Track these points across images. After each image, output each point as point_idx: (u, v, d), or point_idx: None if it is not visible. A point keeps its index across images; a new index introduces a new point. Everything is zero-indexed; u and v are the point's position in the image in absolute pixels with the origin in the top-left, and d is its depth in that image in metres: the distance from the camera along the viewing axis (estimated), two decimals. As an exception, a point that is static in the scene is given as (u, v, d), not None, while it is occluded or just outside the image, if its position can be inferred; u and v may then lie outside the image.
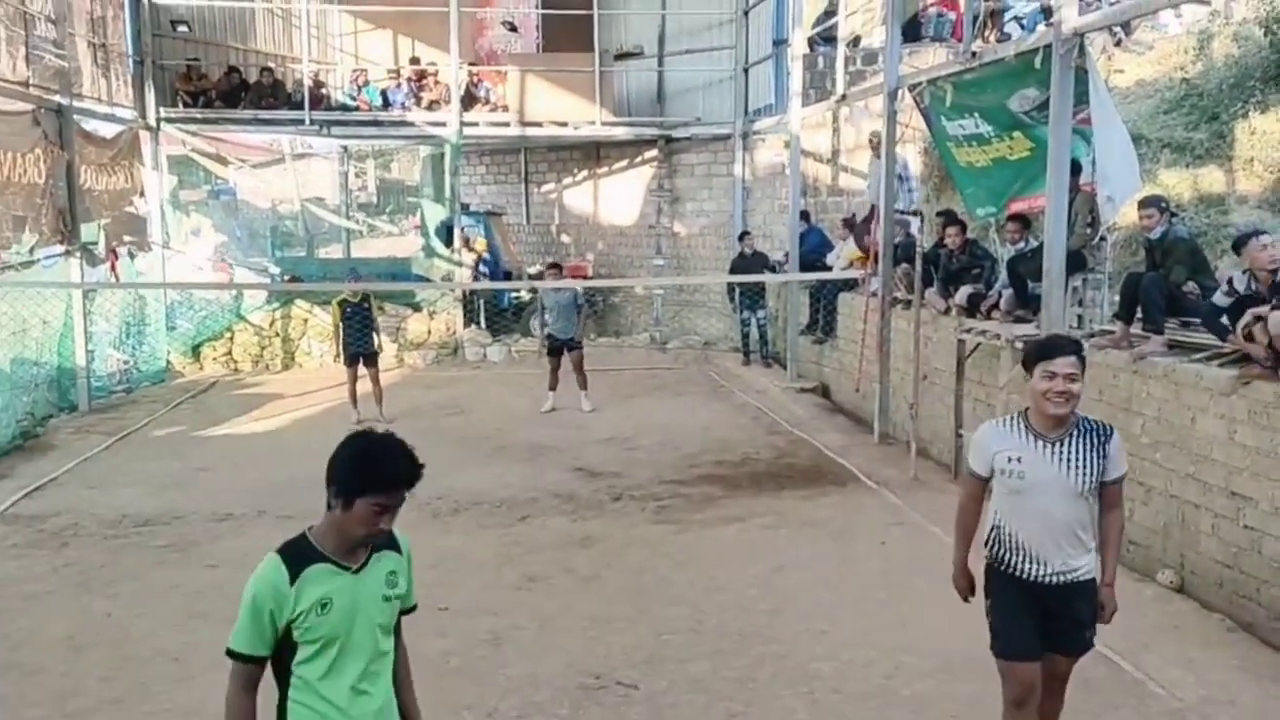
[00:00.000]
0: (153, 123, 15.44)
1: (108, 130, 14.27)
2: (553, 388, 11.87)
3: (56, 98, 12.32)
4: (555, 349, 11.91)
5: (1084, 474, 3.56)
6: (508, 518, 7.90)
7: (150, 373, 14.14)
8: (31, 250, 11.65)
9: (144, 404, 12.67)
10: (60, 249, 12.20)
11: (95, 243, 12.93)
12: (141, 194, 15.03)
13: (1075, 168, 7.84)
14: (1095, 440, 3.59)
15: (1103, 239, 8.38)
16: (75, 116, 12.72)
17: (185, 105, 16.06)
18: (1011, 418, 3.73)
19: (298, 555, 2.70)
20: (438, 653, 5.43)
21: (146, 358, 14.21)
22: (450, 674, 5.19)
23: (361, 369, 11.37)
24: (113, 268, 13.46)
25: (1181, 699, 4.80)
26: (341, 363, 11.43)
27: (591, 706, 4.84)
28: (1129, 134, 7.76)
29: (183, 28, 16.77)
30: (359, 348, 11.32)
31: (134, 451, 10.29)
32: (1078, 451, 3.57)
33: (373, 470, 2.63)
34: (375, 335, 11.55)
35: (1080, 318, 8.15)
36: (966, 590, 3.97)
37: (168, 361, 14.65)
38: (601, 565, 6.80)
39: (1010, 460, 3.60)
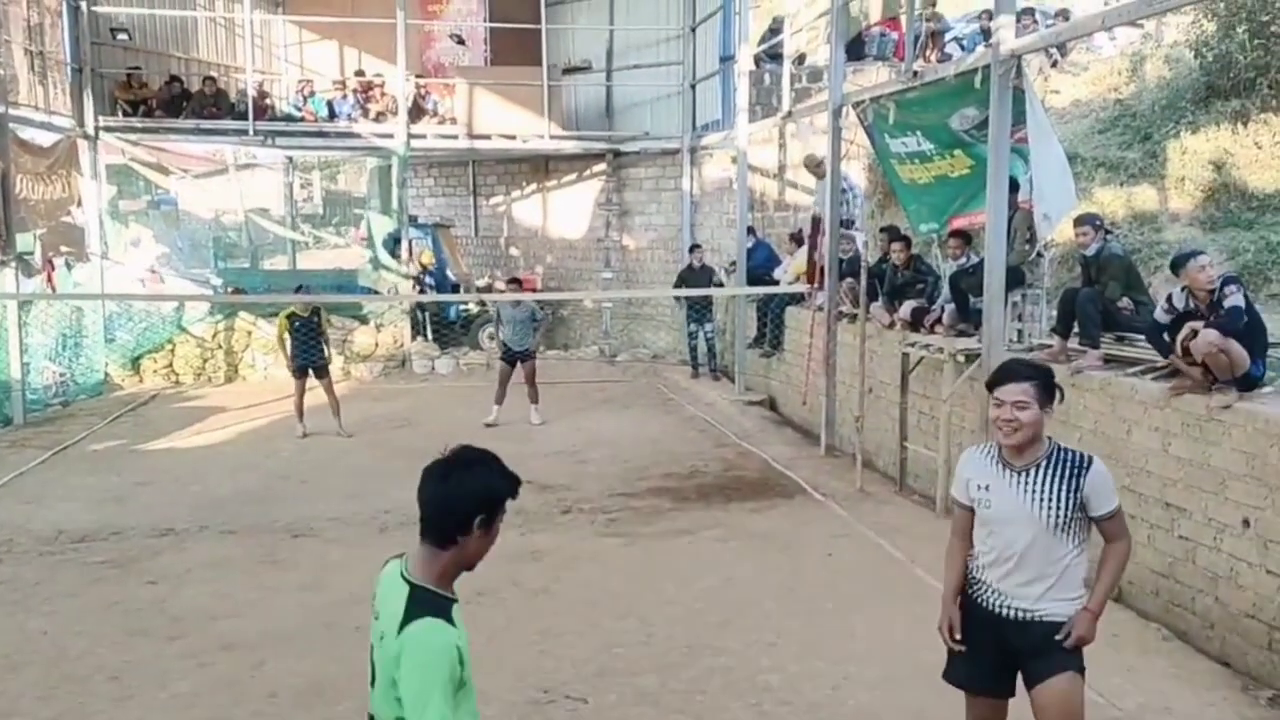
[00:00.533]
0: (91, 131, 15.13)
1: (45, 139, 13.95)
2: (499, 401, 11.82)
3: (-9, 105, 12.04)
4: (509, 359, 11.88)
5: (1052, 507, 3.33)
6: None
7: (88, 385, 13.83)
8: (-36, 260, 11.36)
9: (81, 417, 12.38)
10: (-6, 259, 11.91)
11: (31, 253, 12.63)
12: (79, 204, 14.70)
13: (1014, 185, 8.03)
14: (1068, 471, 3.36)
15: (1040, 255, 8.59)
16: (10, 125, 12.43)
17: (125, 114, 15.79)
18: (990, 444, 3.56)
19: (443, 609, 2.40)
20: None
21: (84, 370, 13.89)
22: (397, 690, 5.14)
23: (313, 380, 11.22)
24: (49, 278, 13.16)
25: (1120, 707, 4.91)
26: (291, 373, 11.27)
27: (540, 720, 4.83)
28: (1065, 153, 7.95)
29: (123, 36, 16.47)
30: (308, 359, 11.19)
31: (71, 466, 10.06)
32: (1046, 483, 3.36)
33: (513, 476, 2.46)
34: (325, 348, 11.41)
35: (1020, 332, 8.33)
36: (946, 625, 3.65)
37: (106, 374, 14.34)
38: (550, 579, 6.79)
39: (979, 488, 3.48)
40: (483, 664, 5.39)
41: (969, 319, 8.34)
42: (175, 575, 6.89)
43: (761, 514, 8.32)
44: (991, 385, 3.49)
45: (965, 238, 8.88)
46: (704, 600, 6.36)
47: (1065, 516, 3.35)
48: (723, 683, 5.22)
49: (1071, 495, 3.35)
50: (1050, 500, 3.35)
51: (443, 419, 12.25)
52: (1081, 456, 3.43)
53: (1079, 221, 7.56)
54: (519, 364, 11.82)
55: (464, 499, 2.39)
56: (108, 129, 15.45)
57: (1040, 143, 7.30)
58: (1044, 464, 3.40)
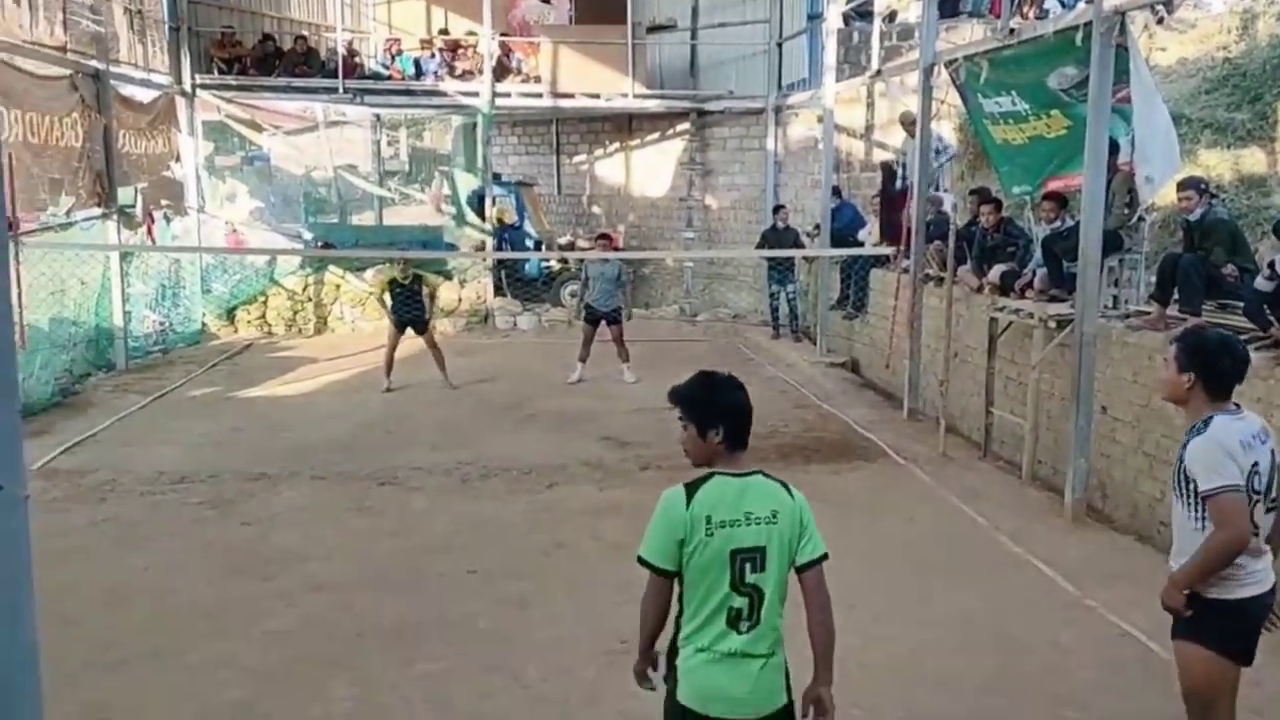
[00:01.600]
0: (188, 89, 15.54)
1: (144, 95, 14.39)
2: (583, 359, 11.88)
3: (93, 62, 12.43)
4: (593, 319, 11.88)
5: (1174, 475, 3.41)
6: (537, 485, 7.97)
7: (186, 334, 14.33)
8: (69, 212, 11.80)
9: (180, 365, 12.85)
10: (98, 211, 12.36)
11: (132, 206, 13.06)
12: (177, 159, 15.17)
13: (1114, 147, 7.75)
14: (1186, 442, 3.38)
15: (1140, 219, 8.29)
16: (112, 81, 12.83)
17: (220, 72, 16.17)
18: None
19: None
20: (466, 614, 5.52)
21: (182, 319, 14.39)
22: (478, 635, 5.28)
23: (412, 334, 11.39)
24: (149, 231, 13.61)
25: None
26: (392, 325, 11.39)
27: (617, 671, 4.89)
28: (1170, 113, 7.65)
29: (218, -7, 16.83)
30: (408, 317, 11.34)
31: (171, 411, 10.46)
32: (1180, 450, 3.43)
33: None
34: (427, 308, 11.50)
35: (1116, 298, 8.09)
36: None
37: (203, 323, 14.85)
38: (629, 533, 6.80)
39: None
40: (562, 614, 5.52)
41: (1062, 284, 8.12)
42: (268, 518, 7.14)
43: (841, 476, 8.27)
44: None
45: (1060, 200, 8.62)
46: (781, 560, 6.35)
47: (1177, 485, 3.39)
48: (801, 641, 5.22)
49: (1179, 464, 3.37)
50: (1175, 469, 3.42)
51: (523, 374, 12.40)
52: (1198, 426, 3.37)
53: (1183, 185, 7.28)
54: (602, 324, 11.82)
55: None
56: (204, 86, 15.84)
57: (1144, 103, 7.03)
58: (1191, 433, 3.40)
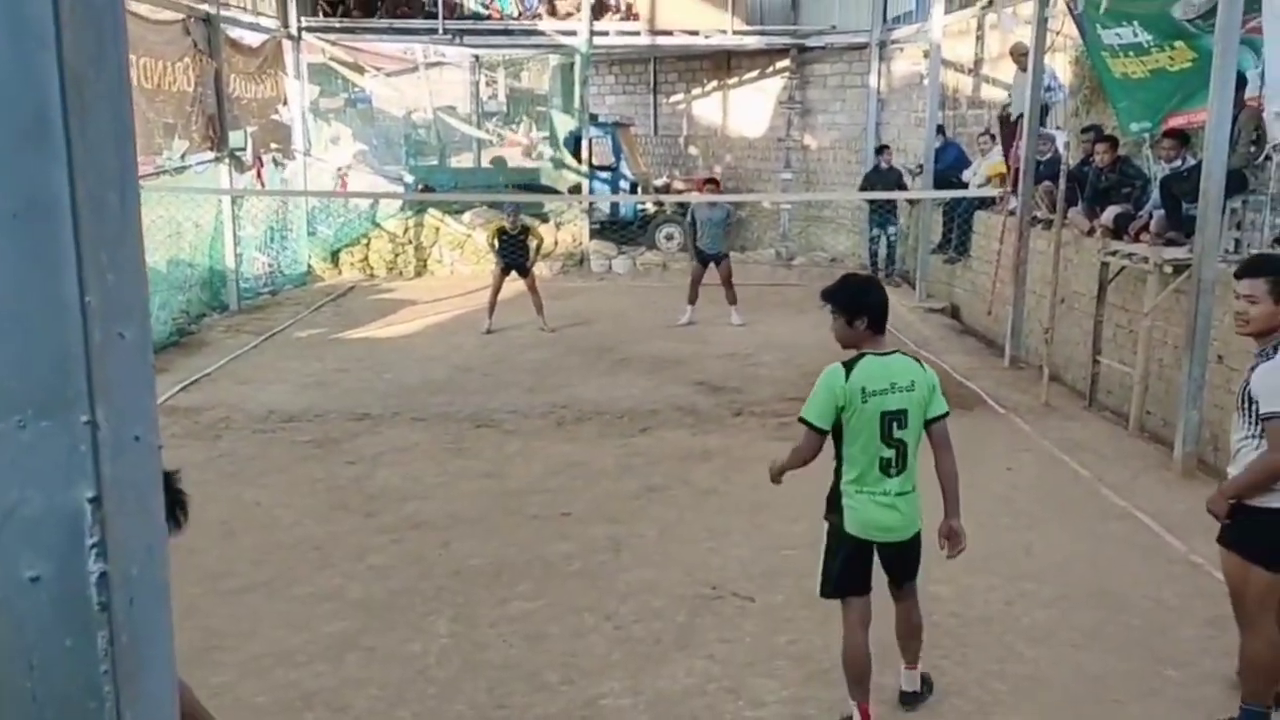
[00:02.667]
0: (294, 32, 15.82)
1: (253, 39, 14.70)
2: (692, 301, 11.92)
3: (205, 6, 12.73)
4: (703, 259, 11.91)
5: (1240, 391, 3.72)
6: (629, 428, 8.05)
7: (293, 276, 14.78)
8: (183, 156, 12.21)
9: (288, 306, 13.29)
10: (211, 155, 12.75)
11: (243, 149, 13.45)
12: (285, 102, 15.50)
13: (1241, 81, 7.30)
14: (1258, 364, 3.65)
15: (1267, 158, 7.82)
16: (222, 25, 13.13)
17: (325, 14, 16.42)
18: None
19: None
20: (559, 555, 5.64)
21: (289, 261, 14.84)
22: (571, 576, 5.40)
23: (515, 277, 11.64)
24: (259, 174, 14.01)
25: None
26: (497, 269, 11.69)
27: (708, 615, 4.97)
28: (1306, 44, 7.15)
29: (323, -64, 17.01)
30: (512, 260, 11.59)
31: (279, 351, 10.85)
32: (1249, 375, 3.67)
33: None
34: (531, 255, 11.72)
35: (1238, 241, 7.68)
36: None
37: (309, 265, 15.28)
38: (720, 479, 6.89)
39: None
40: (652, 558, 5.60)
41: (1180, 227, 7.75)
42: (371, 457, 7.38)
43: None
44: (1235, 275, 3.78)
45: (1181, 138, 8.20)
46: (875, 509, 6.30)
47: (1241, 404, 3.67)
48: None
49: (1245, 385, 3.65)
50: (1240, 389, 3.71)
51: (617, 318, 12.47)
52: (1268, 351, 3.62)
53: (1316, 121, 6.83)
54: (711, 265, 11.82)
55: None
56: (309, 29, 16.11)
57: (1276, 34, 6.59)
58: (1260, 356, 3.65)
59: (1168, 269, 7.49)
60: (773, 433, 7.94)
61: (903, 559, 4.03)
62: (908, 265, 14.33)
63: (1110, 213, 8.68)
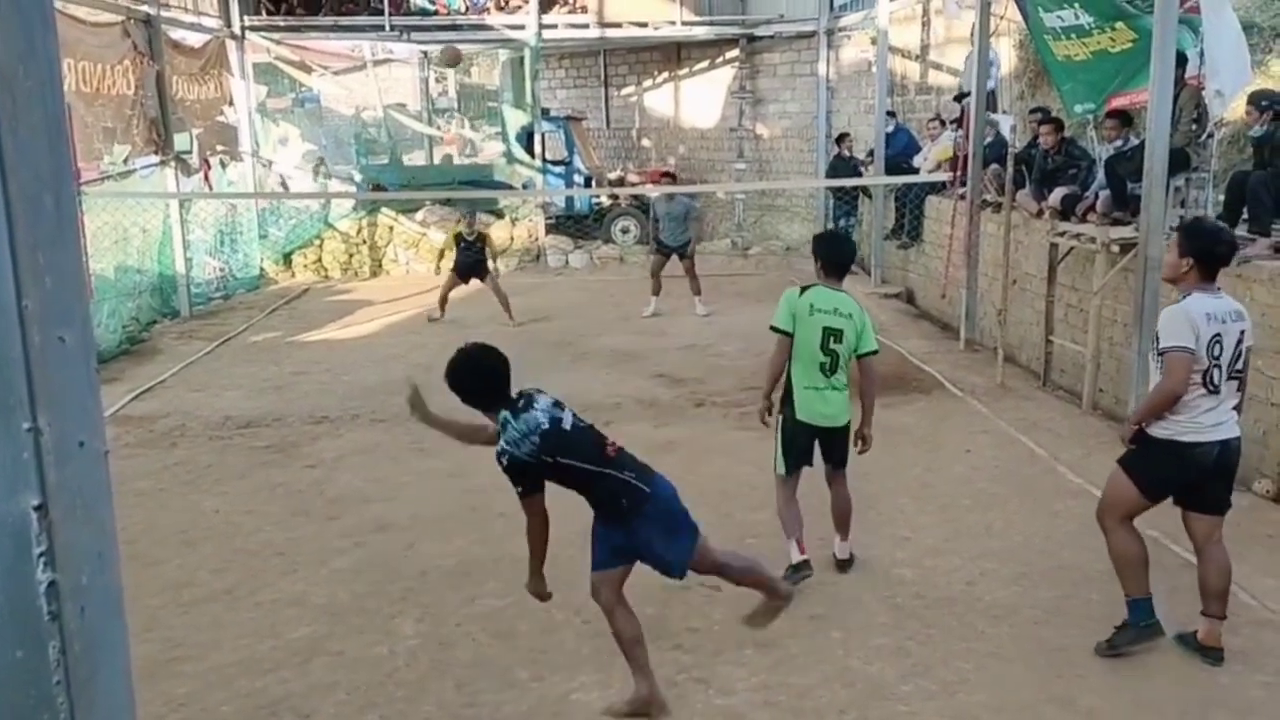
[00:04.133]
0: (238, 31, 15.59)
1: (195, 40, 14.48)
2: (655, 292, 11.96)
3: (145, 8, 12.50)
4: (664, 251, 11.97)
5: (1153, 331, 4.42)
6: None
7: (245, 279, 14.58)
8: (126, 160, 11.99)
9: (241, 310, 13.10)
10: (156, 159, 12.54)
11: (189, 152, 13.23)
12: (230, 103, 15.28)
13: (1181, 60, 7.44)
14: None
15: (1209, 136, 7.99)
16: (163, 26, 12.90)
17: (268, 13, 16.19)
18: None
19: None
20: (523, 559, 5.61)
21: (241, 265, 14.63)
22: (538, 572, 5.37)
23: (474, 283, 11.71)
24: (206, 177, 13.80)
25: (1273, 610, 4.74)
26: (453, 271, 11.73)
27: (676, 606, 4.98)
28: (1240, 22, 7.30)
29: (263, -66, 16.76)
30: (469, 271, 11.67)
31: (234, 356, 10.69)
32: None
33: None
34: (488, 263, 11.78)
35: (1182, 219, 7.82)
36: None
37: (261, 269, 15.08)
38: (684, 470, 6.86)
39: None
40: (619, 550, 5.57)
41: (1126, 206, 7.88)
42: (331, 460, 7.31)
43: (897, 409, 8.19)
44: None
45: (1124, 118, 8.33)
46: (837, 493, 6.35)
47: (1153, 342, 4.25)
48: (856, 575, 5.26)
49: (1156, 328, 4.27)
50: (1154, 330, 4.31)
51: (575, 312, 12.44)
52: (1179, 299, 4.21)
53: (1253, 99, 6.98)
54: (673, 257, 11.84)
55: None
56: (253, 28, 15.89)
57: (1213, 12, 6.74)
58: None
59: (1115, 248, 7.61)
60: (735, 422, 7.98)
61: (837, 444, 5.16)
62: (862, 251, 14.44)
63: (1058, 194, 8.80)
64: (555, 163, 17.07)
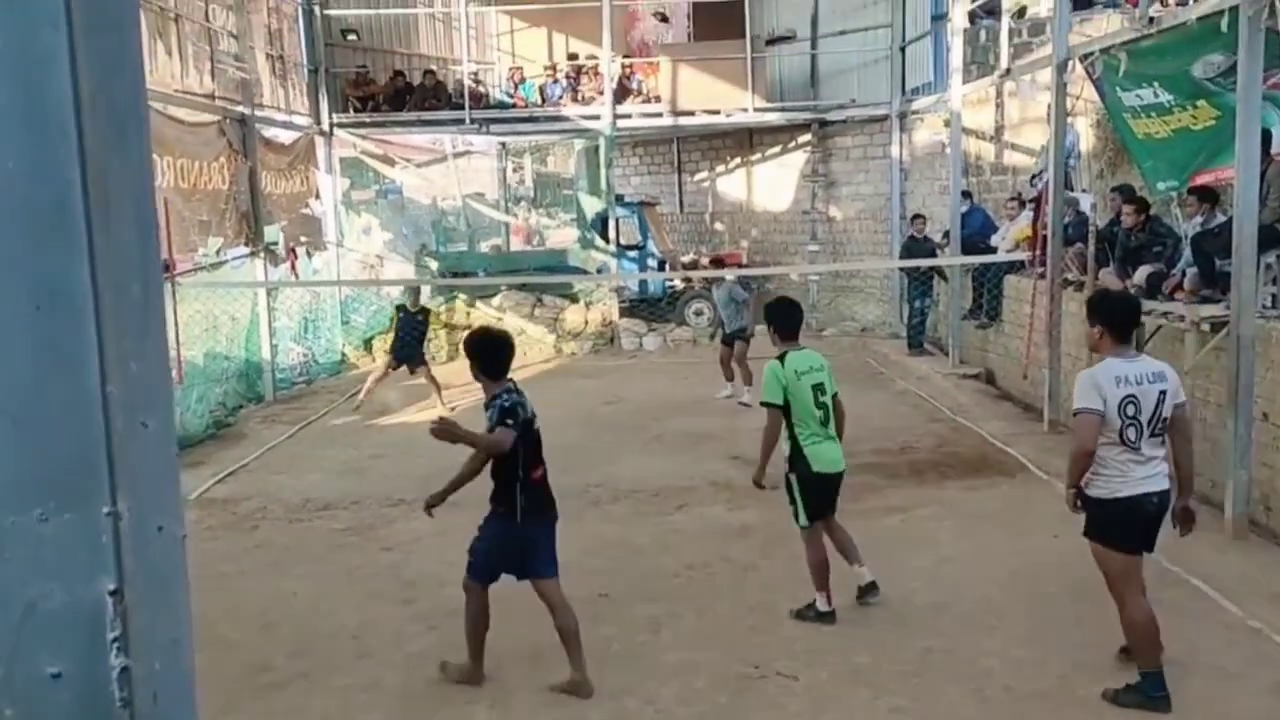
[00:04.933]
0: (326, 128, 16.27)
1: (286, 137, 15.13)
2: (728, 379, 11.96)
3: (240, 108, 13.13)
4: (726, 340, 12.11)
5: None
6: (666, 506, 7.97)
7: (327, 364, 14.94)
8: (219, 252, 12.48)
9: (322, 394, 13.40)
10: (246, 250, 13.03)
11: (276, 243, 13.73)
12: (316, 196, 15.87)
13: (1266, 136, 7.28)
14: None
15: (1300, 212, 7.75)
16: (256, 125, 13.52)
17: (355, 110, 16.88)
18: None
19: None
20: (599, 638, 5.54)
21: (324, 350, 15.02)
22: (611, 659, 5.29)
23: (405, 371, 12.05)
24: (292, 266, 14.28)
25: None
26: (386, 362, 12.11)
27: (751, 695, 4.84)
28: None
29: (352, 36, 17.62)
30: (404, 355, 11.98)
31: (315, 439, 10.90)
32: None
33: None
34: (424, 346, 12.27)
35: (1275, 297, 7.58)
36: None
37: (343, 354, 15.44)
38: (759, 555, 6.77)
39: None
40: (692, 637, 5.49)
41: (1215, 284, 7.66)
42: (407, 543, 7.34)
43: (979, 492, 7.99)
44: None
45: (1207, 195, 8.15)
46: (919, 580, 6.17)
47: None
48: (941, 665, 5.06)
49: None
50: None
51: (649, 395, 12.44)
52: (1096, 363, 4.56)
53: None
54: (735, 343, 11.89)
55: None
56: (340, 125, 16.57)
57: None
58: None
59: (1205, 326, 7.39)
60: (811, 506, 7.83)
61: (837, 490, 5.67)
62: (939, 332, 14.25)
63: (1143, 272, 8.61)
64: (629, 247, 17.30)
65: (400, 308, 12.18)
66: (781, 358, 5.49)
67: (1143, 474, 4.34)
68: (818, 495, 5.51)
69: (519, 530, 4.94)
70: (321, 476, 9.28)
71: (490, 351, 5.04)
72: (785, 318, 5.64)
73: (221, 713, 4.70)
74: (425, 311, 12.35)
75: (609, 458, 9.51)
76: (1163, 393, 4.34)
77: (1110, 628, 5.38)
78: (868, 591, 5.69)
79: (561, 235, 20.72)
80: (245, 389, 12.88)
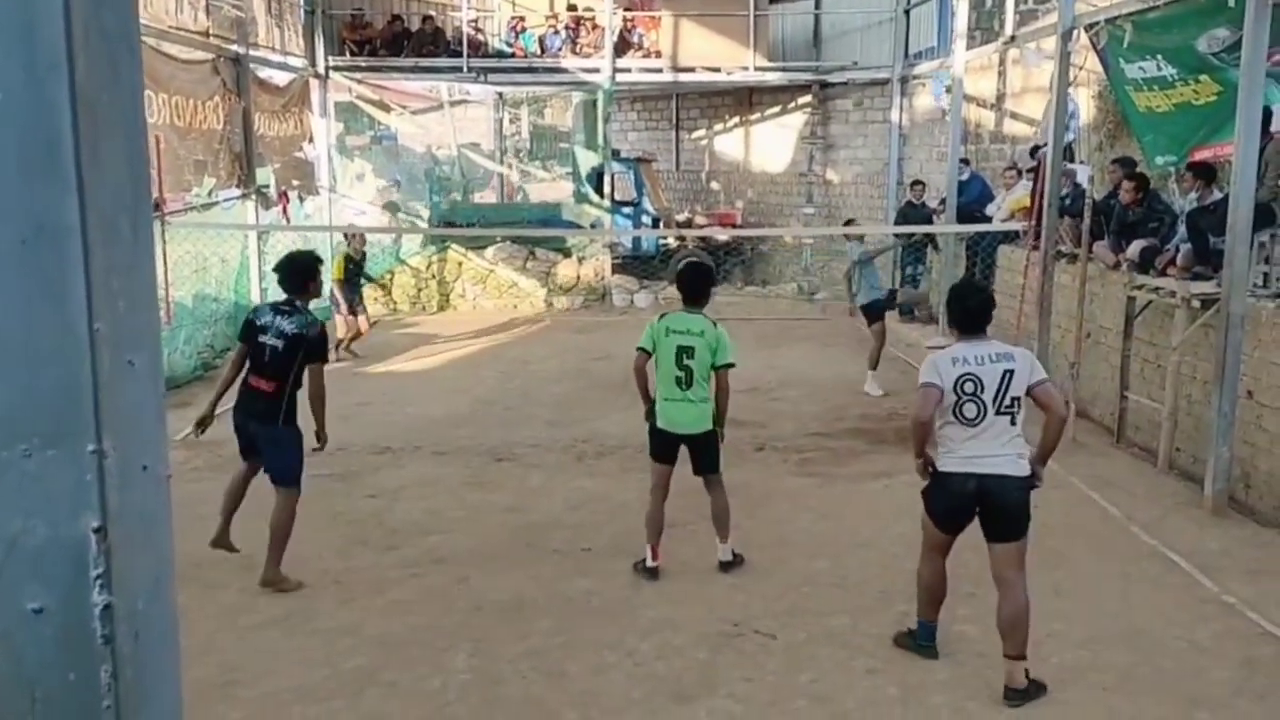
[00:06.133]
0: (321, 70, 16.05)
1: (280, 78, 14.93)
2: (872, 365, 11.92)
3: (234, 47, 12.94)
4: (878, 311, 11.87)
5: None
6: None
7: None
8: (210, 193, 12.36)
9: (311, 340, 13.32)
10: (238, 192, 12.91)
11: (268, 186, 13.60)
12: (310, 140, 15.70)
13: (1267, 114, 7.25)
14: None
15: (1296, 191, 7.75)
16: (251, 65, 13.33)
17: (351, 54, 16.66)
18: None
19: None
20: (580, 592, 5.59)
21: (314, 297, 14.90)
22: (592, 613, 5.34)
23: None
24: (284, 210, 14.16)
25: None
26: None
27: (729, 653, 4.90)
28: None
29: (350, -23, 17.33)
30: (356, 294, 12.38)
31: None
32: None
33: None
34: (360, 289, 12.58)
35: (1266, 275, 7.59)
36: None
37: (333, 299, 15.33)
38: (743, 515, 6.79)
39: None
40: (674, 595, 5.54)
41: (1208, 261, 7.66)
42: (392, 490, 7.37)
43: (963, 461, 8.02)
44: None
45: (1207, 172, 8.13)
46: (900, 546, 6.21)
47: None
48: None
49: None
50: None
51: (641, 352, 12.42)
52: None
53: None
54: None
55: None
56: (336, 68, 16.35)
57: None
58: None
59: (1195, 303, 7.40)
60: (795, 468, 7.88)
61: (699, 451, 5.78)
62: (931, 300, 14.24)
63: (1136, 246, 8.61)
64: (624, 203, 17.21)
65: (347, 257, 12.28)
66: (663, 315, 5.88)
67: (969, 453, 4.43)
68: (657, 443, 5.80)
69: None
70: (308, 422, 9.25)
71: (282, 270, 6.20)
72: (688, 281, 5.88)
73: (200, 652, 4.74)
74: (364, 257, 12.63)
75: (597, 413, 9.52)
76: (1008, 372, 4.41)
77: (1084, 596, 5.46)
78: (725, 568, 5.86)
79: (543, 189, 20.58)
80: (234, 332, 12.77)
